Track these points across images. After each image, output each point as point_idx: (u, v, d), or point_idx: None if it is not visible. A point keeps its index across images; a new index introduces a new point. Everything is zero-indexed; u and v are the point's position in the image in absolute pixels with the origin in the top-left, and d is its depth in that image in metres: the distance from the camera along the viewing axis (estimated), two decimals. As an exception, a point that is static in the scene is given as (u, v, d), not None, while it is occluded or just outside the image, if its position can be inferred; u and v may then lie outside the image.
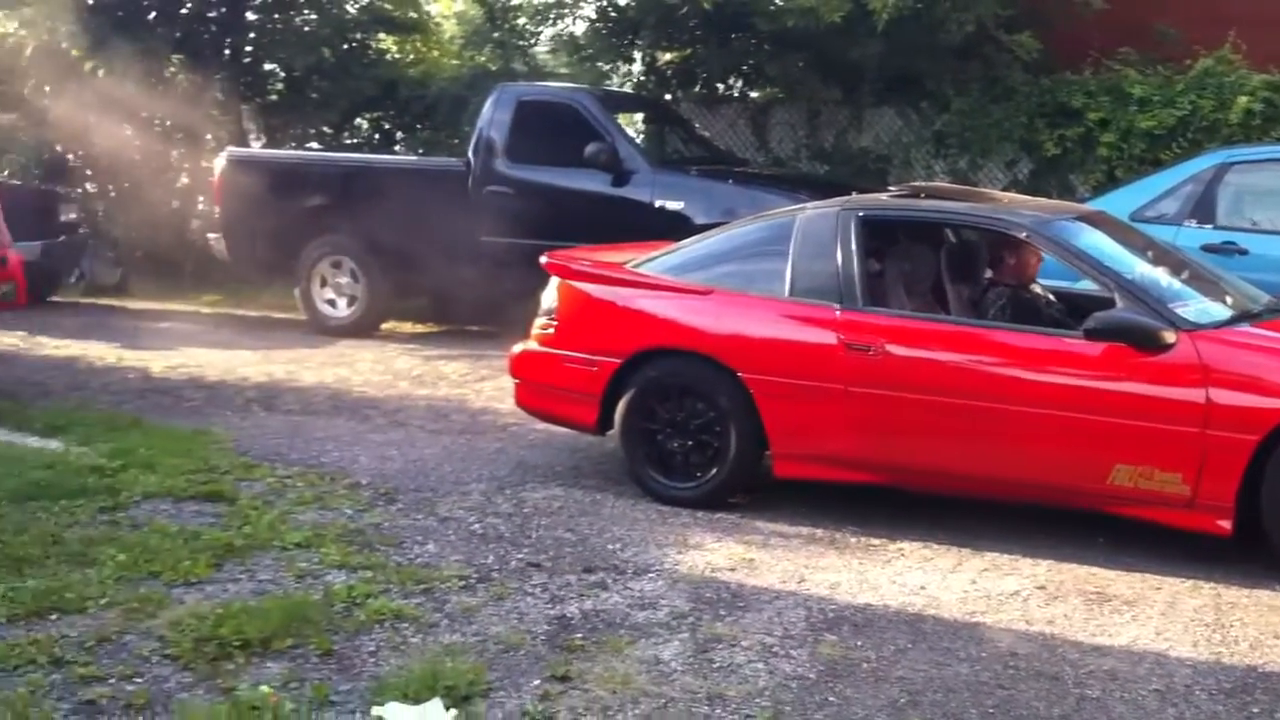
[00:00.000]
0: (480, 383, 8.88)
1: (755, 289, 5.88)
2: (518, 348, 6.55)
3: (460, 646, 4.35)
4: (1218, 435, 4.89)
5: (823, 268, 5.73)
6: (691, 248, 6.32)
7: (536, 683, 4.12)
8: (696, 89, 12.52)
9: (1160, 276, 5.46)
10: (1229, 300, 5.49)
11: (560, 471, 6.53)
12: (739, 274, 5.98)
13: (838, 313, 5.61)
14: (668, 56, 12.43)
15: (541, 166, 10.25)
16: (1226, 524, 4.95)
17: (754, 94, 12.47)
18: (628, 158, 9.90)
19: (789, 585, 4.96)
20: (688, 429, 5.94)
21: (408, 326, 11.67)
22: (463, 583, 4.96)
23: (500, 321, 9.84)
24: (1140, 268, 5.50)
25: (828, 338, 5.60)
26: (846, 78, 11.41)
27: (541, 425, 7.21)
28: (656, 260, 6.34)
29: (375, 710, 3.87)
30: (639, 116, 12.58)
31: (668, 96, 12.75)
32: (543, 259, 6.54)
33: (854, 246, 5.69)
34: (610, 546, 5.40)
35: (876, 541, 5.45)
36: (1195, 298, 5.37)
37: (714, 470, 5.86)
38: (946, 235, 6.33)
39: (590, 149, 9.83)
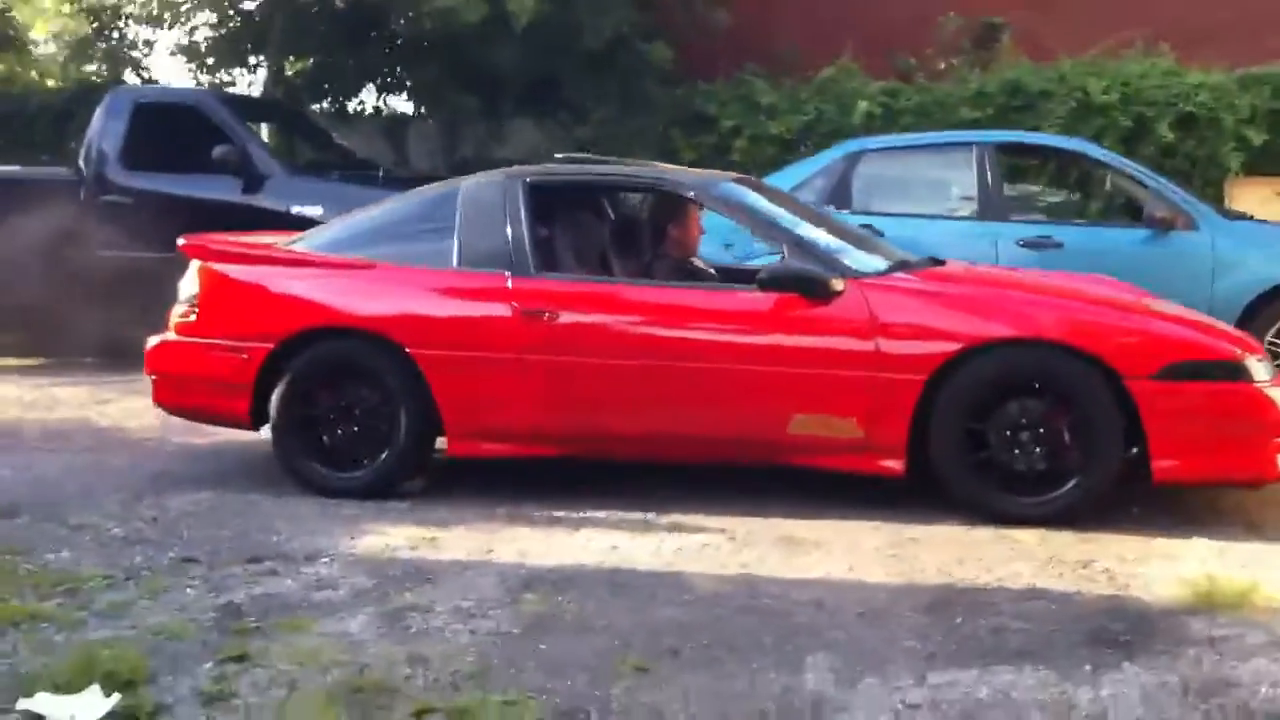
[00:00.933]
0: (104, 405, 8.04)
1: (421, 261, 5.57)
2: (153, 340, 5.94)
3: (115, 640, 3.81)
4: (887, 378, 4.99)
5: (491, 235, 5.49)
6: (348, 223, 5.95)
7: (209, 665, 3.65)
8: (328, 101, 12.04)
9: (820, 233, 5.57)
10: (883, 254, 5.65)
11: (206, 477, 5.92)
12: (402, 247, 5.64)
13: (509, 280, 5.39)
14: (298, 65, 11.89)
15: (163, 173, 9.51)
16: (898, 464, 5.04)
17: (389, 105, 12.14)
18: (260, 161, 9.34)
19: (476, 557, 4.66)
20: (352, 414, 5.54)
21: (10, 360, 10.51)
22: (108, 582, 4.39)
23: (119, 352, 9.01)
24: (802, 225, 5.59)
25: (500, 306, 5.36)
26: (486, 87, 11.27)
27: (179, 438, 6.61)
28: (309, 238, 5.93)
29: (23, 702, 3.34)
30: (267, 126, 11.94)
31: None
32: (179, 241, 5.99)
33: (522, 213, 5.49)
34: (274, 539, 4.92)
35: (560, 513, 5.22)
36: (855, 252, 5.51)
37: (383, 455, 5.48)
38: (613, 205, 6.25)
39: (218, 151, 9.19)
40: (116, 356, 9.05)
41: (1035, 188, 9.08)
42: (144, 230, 9.10)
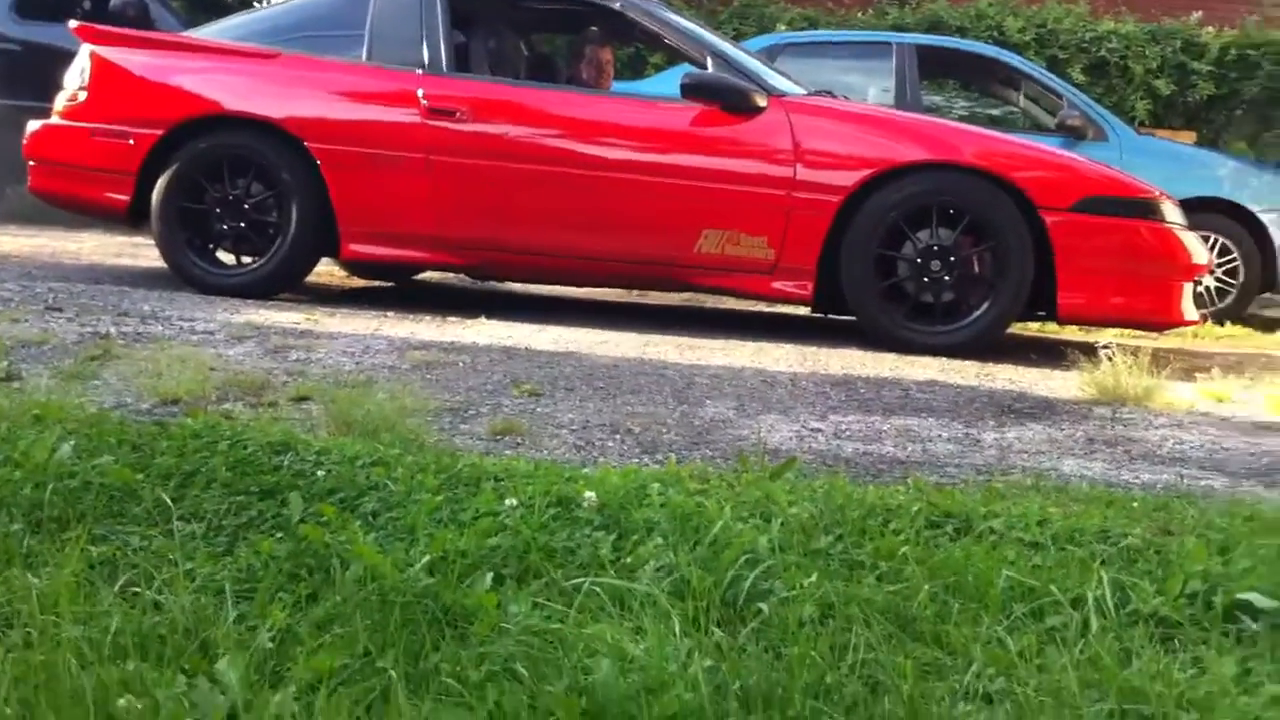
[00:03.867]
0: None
1: (328, 54, 5.33)
2: (35, 124, 5.60)
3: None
4: (803, 198, 4.87)
5: (405, 32, 5.26)
6: (253, 15, 5.69)
7: (70, 361, 3.39)
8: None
9: (743, 54, 5.46)
10: (798, 83, 5.54)
11: (76, 276, 5.59)
12: (310, 40, 5.39)
13: (420, 78, 5.17)
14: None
15: (54, 24, 9.06)
16: (807, 289, 4.93)
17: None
18: (158, 16, 8.95)
19: (364, 331, 4.44)
20: (241, 210, 5.26)
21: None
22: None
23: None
24: (726, 44, 5.47)
25: (409, 103, 5.14)
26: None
27: (52, 258, 6.26)
28: (212, 27, 5.64)
29: None
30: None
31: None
32: (71, 24, 5.66)
33: (439, 12, 5.27)
34: (146, 307, 4.64)
35: (453, 318, 5.02)
36: (775, 75, 5.39)
37: (271, 253, 5.21)
38: (530, 25, 6.06)
39: (115, 3, 8.78)
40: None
41: (953, 93, 9.10)
42: (32, 80, 8.66)
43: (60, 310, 4.35)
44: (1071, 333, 5.85)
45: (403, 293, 6.03)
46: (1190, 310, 4.94)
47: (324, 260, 5.58)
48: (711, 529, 2.11)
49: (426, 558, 1.87)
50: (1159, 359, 4.48)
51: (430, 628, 1.71)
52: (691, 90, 4.95)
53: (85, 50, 5.53)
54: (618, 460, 2.80)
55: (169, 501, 2.04)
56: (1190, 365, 4.91)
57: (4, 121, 8.55)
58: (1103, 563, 2.15)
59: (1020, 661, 1.80)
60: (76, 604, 1.65)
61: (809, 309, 5.12)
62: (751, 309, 6.30)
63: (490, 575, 1.86)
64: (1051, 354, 5.02)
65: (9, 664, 1.51)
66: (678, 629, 1.76)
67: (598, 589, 1.87)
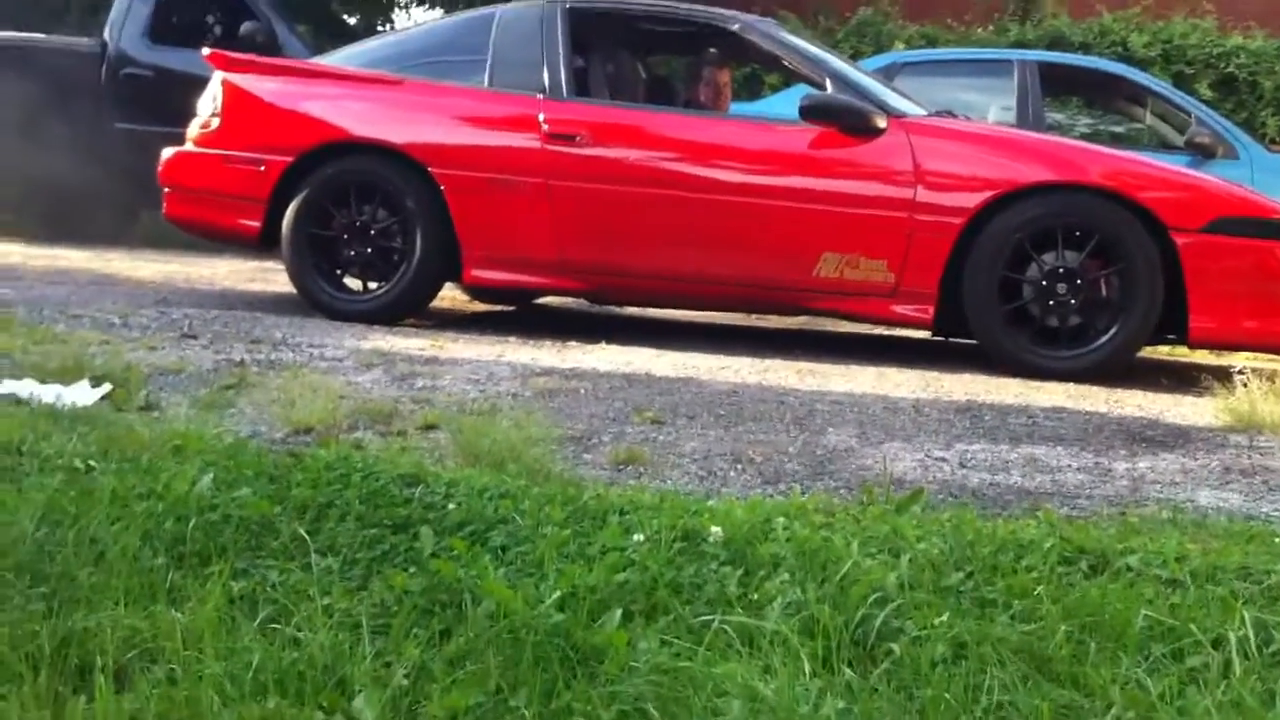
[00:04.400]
0: (109, 260, 7.88)
1: (451, 80, 5.42)
2: (169, 151, 5.79)
3: (108, 360, 3.66)
4: (924, 220, 4.81)
5: (525, 58, 5.33)
6: (378, 42, 5.80)
7: (205, 390, 3.49)
8: (358, 5, 11.92)
9: (862, 75, 5.43)
10: (918, 102, 5.49)
11: (210, 302, 5.74)
12: (433, 66, 5.49)
13: (541, 103, 5.23)
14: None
15: (187, 49, 9.35)
16: (928, 313, 4.86)
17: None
18: (286, 42, 9.19)
19: (487, 357, 4.49)
20: (367, 235, 5.37)
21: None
22: (104, 341, 4.22)
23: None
24: (844, 64, 5.45)
25: (530, 128, 5.20)
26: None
27: (185, 284, 6.45)
28: (339, 54, 5.78)
29: (7, 384, 3.17)
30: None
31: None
32: (204, 51, 5.84)
33: (559, 37, 5.33)
34: (278, 334, 4.76)
35: (574, 343, 5.05)
36: (894, 95, 5.35)
37: (397, 279, 5.31)
38: (651, 47, 6.10)
39: (245, 28, 9.04)
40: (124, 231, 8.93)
41: (1076, 111, 8.93)
42: (167, 106, 8.94)
43: (195, 337, 4.49)
44: (1203, 357, 5.70)
45: (524, 317, 6.10)
46: (1328, 333, 4.78)
47: (448, 285, 5.66)
48: (839, 565, 2.10)
49: (556, 594, 1.89)
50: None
51: (561, 665, 1.73)
52: (810, 112, 4.93)
53: (217, 77, 5.69)
54: (740, 490, 2.80)
55: (305, 535, 2.09)
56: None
57: (139, 147, 8.85)
58: (1244, 601, 2.09)
59: (1160, 704, 1.76)
60: (219, 640, 1.70)
61: (930, 333, 5.05)
62: (871, 332, 6.24)
63: (619, 612, 1.87)
64: (1183, 379, 4.89)
65: (154, 700, 1.56)
66: (808, 669, 1.75)
67: (726, 627, 1.87)
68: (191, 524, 2.09)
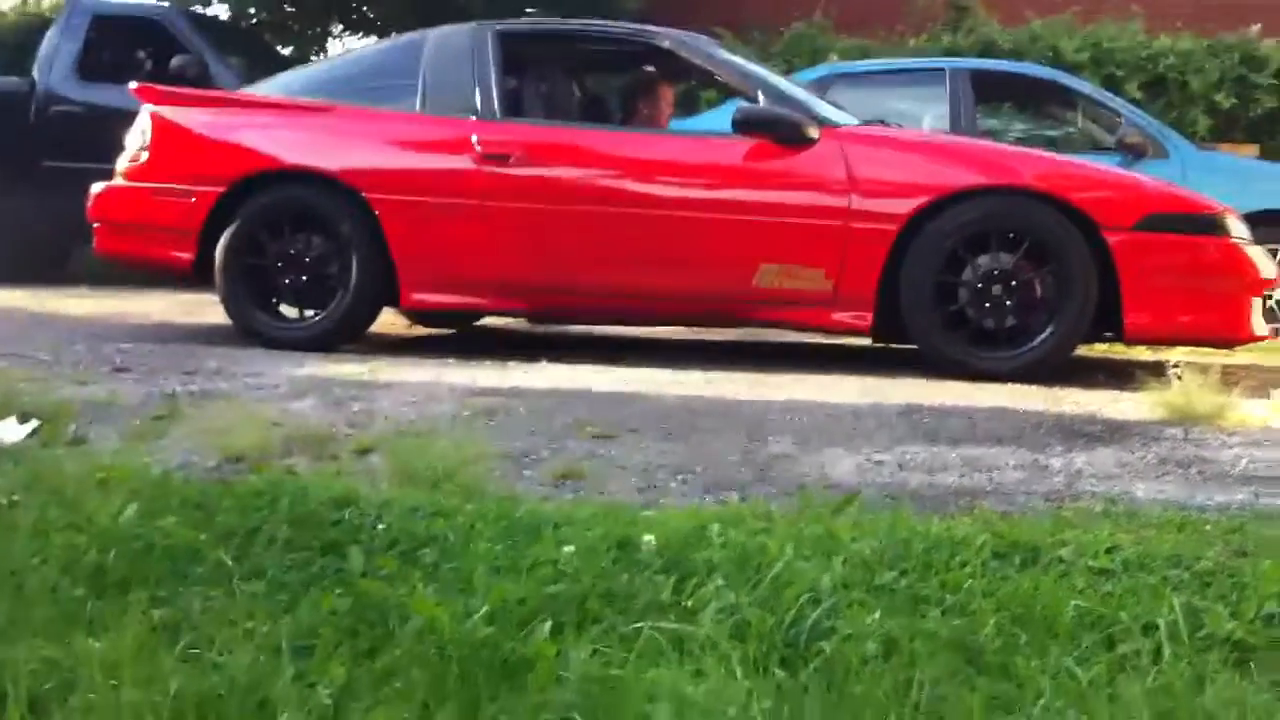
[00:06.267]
0: (42, 300, 7.75)
1: (384, 105, 5.40)
2: (98, 186, 5.72)
3: (38, 398, 3.60)
4: (859, 228, 4.83)
5: (457, 81, 5.31)
6: (308, 70, 5.78)
7: (138, 421, 3.44)
8: (291, 37, 11.83)
9: (793, 87, 5.46)
10: (850, 113, 5.52)
11: (145, 336, 5.66)
12: (365, 92, 5.46)
13: (474, 125, 5.21)
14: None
15: (115, 85, 9.25)
16: (866, 319, 4.87)
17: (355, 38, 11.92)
18: (218, 75, 9.11)
19: (426, 379, 4.45)
20: (302, 263, 5.31)
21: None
22: (31, 379, 4.13)
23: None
24: (775, 77, 5.48)
25: (464, 150, 5.18)
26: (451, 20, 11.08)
27: (117, 321, 6.35)
28: (269, 83, 5.74)
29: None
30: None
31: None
32: (130, 85, 5.78)
33: (490, 59, 5.32)
34: (212, 364, 4.69)
35: (514, 363, 5.02)
36: (826, 105, 5.38)
37: (334, 305, 5.25)
38: (584, 66, 6.10)
39: (176, 61, 8.93)
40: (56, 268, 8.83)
41: (1009, 116, 9.01)
42: (97, 142, 8.84)
43: (128, 370, 4.43)
44: (1139, 352, 5.75)
45: (464, 339, 6.07)
46: (1260, 325, 4.84)
47: (386, 309, 5.62)
48: (773, 568, 2.09)
49: (485, 608, 1.87)
50: (1230, 376, 4.38)
51: (488, 679, 1.71)
52: (743, 124, 4.95)
53: (145, 111, 5.64)
54: (680, 500, 2.79)
55: (229, 562, 2.06)
56: (1263, 382, 4.79)
57: (69, 185, 8.74)
58: (1175, 588, 2.10)
59: (1091, 691, 1.76)
60: (138, 668, 1.67)
61: (869, 339, 5.07)
62: (818, 341, 6.25)
63: (549, 623, 1.85)
64: (1120, 375, 4.93)
65: (71, 730, 1.52)
66: (739, 671, 1.74)
67: (657, 634, 1.85)
68: (113, 554, 2.06)
